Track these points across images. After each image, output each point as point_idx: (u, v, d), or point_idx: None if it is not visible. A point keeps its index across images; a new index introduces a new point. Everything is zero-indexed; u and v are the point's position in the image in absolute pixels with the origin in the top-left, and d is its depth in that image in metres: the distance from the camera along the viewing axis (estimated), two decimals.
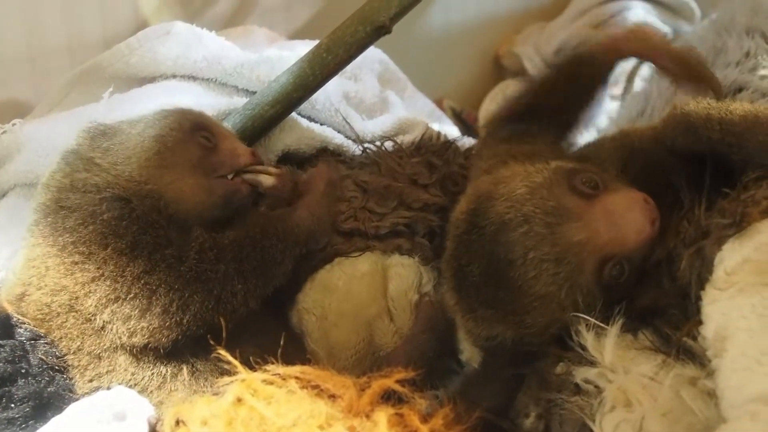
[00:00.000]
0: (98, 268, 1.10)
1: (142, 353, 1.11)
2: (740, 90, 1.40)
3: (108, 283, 1.09)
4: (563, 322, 1.06)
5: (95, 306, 1.10)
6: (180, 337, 1.10)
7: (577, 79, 1.30)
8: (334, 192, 1.29)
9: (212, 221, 1.20)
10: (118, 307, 1.09)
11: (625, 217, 1.05)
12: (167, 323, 1.09)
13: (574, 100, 1.30)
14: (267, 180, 1.24)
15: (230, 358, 1.03)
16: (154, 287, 1.09)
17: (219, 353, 1.04)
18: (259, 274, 1.16)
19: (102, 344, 1.11)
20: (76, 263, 1.11)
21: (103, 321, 1.10)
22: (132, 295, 1.09)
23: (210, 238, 1.15)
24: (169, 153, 1.20)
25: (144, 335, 1.09)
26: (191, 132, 1.23)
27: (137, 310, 1.09)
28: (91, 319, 1.11)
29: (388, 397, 1.02)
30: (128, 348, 1.11)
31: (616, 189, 1.09)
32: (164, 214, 1.15)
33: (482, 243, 1.09)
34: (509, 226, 1.06)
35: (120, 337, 1.09)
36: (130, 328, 1.09)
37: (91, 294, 1.10)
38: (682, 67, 1.27)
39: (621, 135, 1.29)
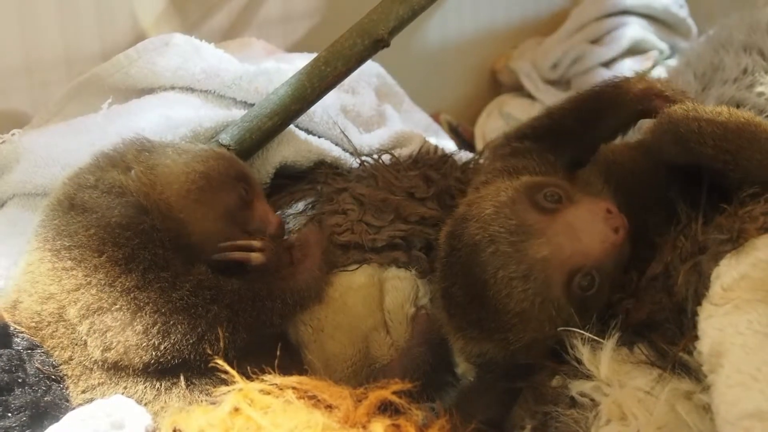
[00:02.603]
0: (86, 276, 1.10)
1: (115, 370, 1.10)
2: (737, 107, 1.40)
3: (94, 291, 1.09)
4: (550, 337, 1.07)
5: (77, 315, 1.09)
6: (152, 362, 1.09)
7: (602, 110, 1.28)
8: (328, 258, 1.30)
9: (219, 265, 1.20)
10: (99, 317, 1.08)
11: (586, 228, 1.06)
12: (144, 344, 1.08)
13: (591, 130, 1.28)
14: (257, 258, 1.24)
15: (228, 368, 1.03)
16: (141, 304, 1.09)
17: (216, 363, 1.04)
18: (248, 330, 1.15)
19: (91, 356, 1.11)
20: (66, 269, 1.11)
21: (83, 332, 1.09)
22: (117, 306, 1.08)
23: (213, 278, 1.15)
24: (210, 193, 1.21)
25: (119, 351, 1.08)
26: (235, 180, 1.25)
27: (118, 323, 1.08)
28: (76, 329, 1.11)
29: (385, 409, 1.02)
30: (100, 364, 1.10)
31: (579, 201, 1.09)
32: (181, 241, 1.17)
33: (461, 265, 1.11)
34: (480, 248, 1.07)
35: (94, 351, 1.09)
36: (106, 342, 1.08)
37: (74, 303, 1.09)
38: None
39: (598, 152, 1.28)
